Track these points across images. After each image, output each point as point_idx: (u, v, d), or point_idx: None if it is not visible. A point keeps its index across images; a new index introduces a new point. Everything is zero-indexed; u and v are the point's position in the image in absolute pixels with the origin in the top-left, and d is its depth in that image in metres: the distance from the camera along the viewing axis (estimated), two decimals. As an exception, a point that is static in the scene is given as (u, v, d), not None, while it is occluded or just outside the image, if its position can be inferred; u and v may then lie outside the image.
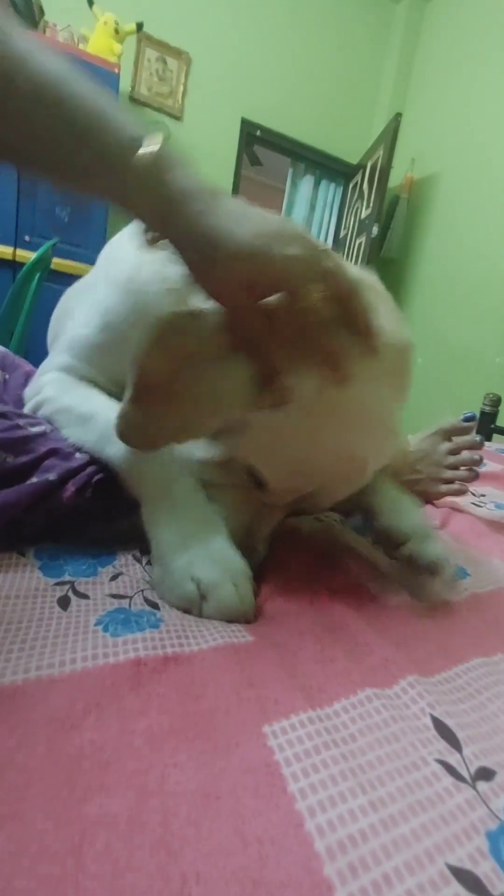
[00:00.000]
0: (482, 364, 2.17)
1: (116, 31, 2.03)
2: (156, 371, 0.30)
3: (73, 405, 0.43)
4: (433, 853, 0.17)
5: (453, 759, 0.21)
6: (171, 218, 0.28)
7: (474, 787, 0.20)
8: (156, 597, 0.33)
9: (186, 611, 0.31)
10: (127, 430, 0.32)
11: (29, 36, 0.27)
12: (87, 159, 0.29)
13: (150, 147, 0.27)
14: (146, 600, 0.32)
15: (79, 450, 0.41)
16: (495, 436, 1.57)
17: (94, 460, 0.40)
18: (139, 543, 0.41)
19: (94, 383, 0.47)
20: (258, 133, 2.75)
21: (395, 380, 0.35)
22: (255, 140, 2.81)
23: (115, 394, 0.45)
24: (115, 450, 0.38)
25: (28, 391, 0.50)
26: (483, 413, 1.61)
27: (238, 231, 0.27)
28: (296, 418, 0.31)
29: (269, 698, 0.24)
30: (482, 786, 0.20)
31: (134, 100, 2.39)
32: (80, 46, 2.01)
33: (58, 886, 0.14)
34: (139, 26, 2.09)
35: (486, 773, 0.21)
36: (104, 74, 1.90)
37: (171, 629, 0.28)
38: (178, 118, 2.50)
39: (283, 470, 0.34)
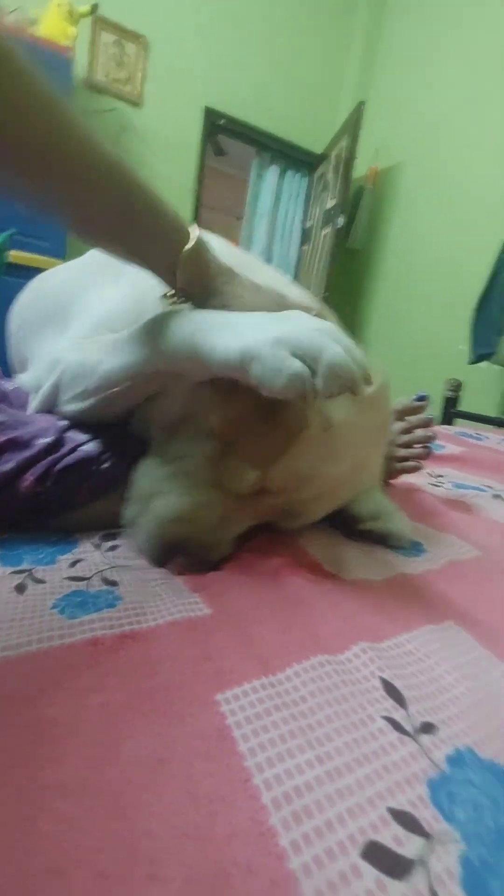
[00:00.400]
0: (445, 351, 2.23)
1: (70, 14, 1.96)
2: None
3: (96, 350, 0.42)
4: (375, 800, 0.18)
5: (398, 715, 0.22)
6: (206, 289, 0.36)
7: (417, 741, 0.21)
8: (114, 575, 0.33)
9: (302, 395, 0.28)
10: None
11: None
12: (138, 235, 0.35)
13: (195, 234, 0.36)
14: (104, 580, 0.32)
15: (37, 437, 0.40)
16: (456, 419, 1.62)
17: (54, 447, 0.40)
18: (101, 531, 0.41)
19: None
20: (222, 122, 2.72)
21: (380, 417, 0.41)
22: (218, 130, 2.78)
23: None
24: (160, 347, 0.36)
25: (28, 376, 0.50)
26: (446, 398, 1.66)
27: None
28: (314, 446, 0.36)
29: (224, 669, 0.24)
30: (425, 739, 0.21)
31: (91, 85, 2.32)
32: (31, 30, 1.93)
33: (12, 847, 0.15)
34: (94, 8, 2.02)
35: (429, 728, 0.22)
36: (56, 59, 1.82)
37: (129, 606, 0.29)
38: (137, 105, 2.45)
39: (294, 478, 0.37)
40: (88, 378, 0.41)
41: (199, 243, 0.36)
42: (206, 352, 0.32)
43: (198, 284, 0.36)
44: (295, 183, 3.15)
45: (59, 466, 0.39)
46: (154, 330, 0.37)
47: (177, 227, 0.36)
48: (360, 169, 2.66)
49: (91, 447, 0.41)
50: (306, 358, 0.28)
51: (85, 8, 1.99)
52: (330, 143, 2.78)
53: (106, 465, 0.41)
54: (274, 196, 3.08)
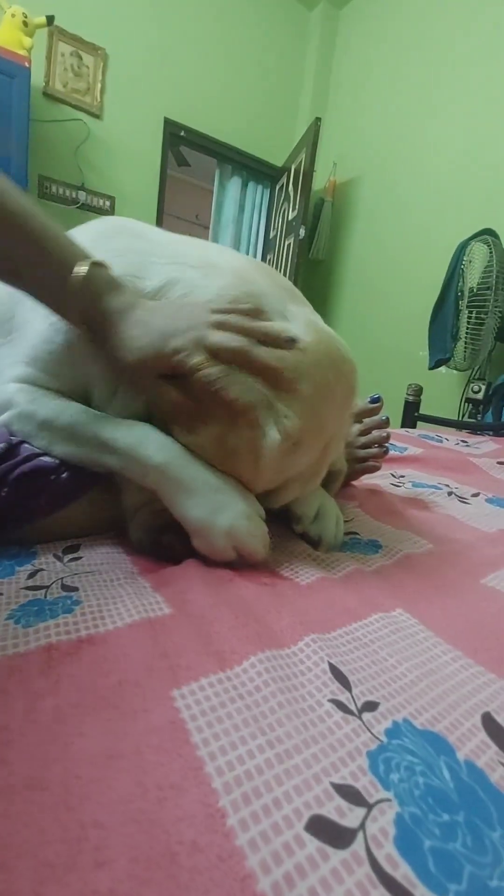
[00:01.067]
0: (406, 357, 2.31)
1: (25, 24, 1.95)
2: None
3: (52, 417, 0.42)
4: (320, 776, 0.19)
5: (344, 696, 0.24)
6: (97, 331, 0.38)
7: (360, 718, 0.22)
8: (75, 581, 0.33)
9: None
10: None
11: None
12: (40, 276, 0.38)
13: (79, 271, 0.37)
14: (64, 586, 0.32)
15: None
16: (418, 423, 1.68)
17: (8, 454, 0.39)
18: (63, 543, 0.41)
19: (60, 393, 0.45)
20: (182, 133, 2.75)
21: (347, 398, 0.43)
22: (179, 140, 2.81)
23: (79, 401, 0.44)
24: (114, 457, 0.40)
25: None
26: (407, 402, 1.72)
27: (137, 342, 0.36)
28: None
29: (181, 666, 0.25)
30: (367, 716, 0.23)
31: (48, 95, 2.30)
32: (-15, 37, 1.91)
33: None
34: (50, 20, 2.02)
35: (371, 706, 0.23)
36: (13, 68, 1.82)
37: (88, 611, 0.29)
38: (97, 116, 2.45)
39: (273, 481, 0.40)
40: (38, 439, 0.42)
41: (90, 274, 0.37)
42: (168, 499, 0.38)
43: (88, 330, 0.38)
44: (257, 194, 3.22)
45: (14, 474, 0.38)
46: (117, 440, 0.40)
47: (62, 260, 0.37)
48: (320, 181, 2.74)
49: (49, 459, 0.41)
50: (242, 546, 0.37)
51: (40, 19, 1.99)
52: (289, 157, 2.85)
53: (65, 475, 0.41)
54: (237, 206, 3.14)
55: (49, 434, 0.42)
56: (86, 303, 0.37)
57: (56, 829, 0.16)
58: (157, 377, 0.37)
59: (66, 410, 0.42)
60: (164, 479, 0.38)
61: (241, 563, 0.37)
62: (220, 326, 0.37)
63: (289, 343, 0.37)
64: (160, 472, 0.38)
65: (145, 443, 0.39)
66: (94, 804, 0.17)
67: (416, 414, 1.73)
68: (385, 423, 0.63)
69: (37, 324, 0.45)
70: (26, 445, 0.41)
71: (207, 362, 0.35)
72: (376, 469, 0.62)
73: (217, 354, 0.36)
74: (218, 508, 0.38)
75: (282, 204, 2.97)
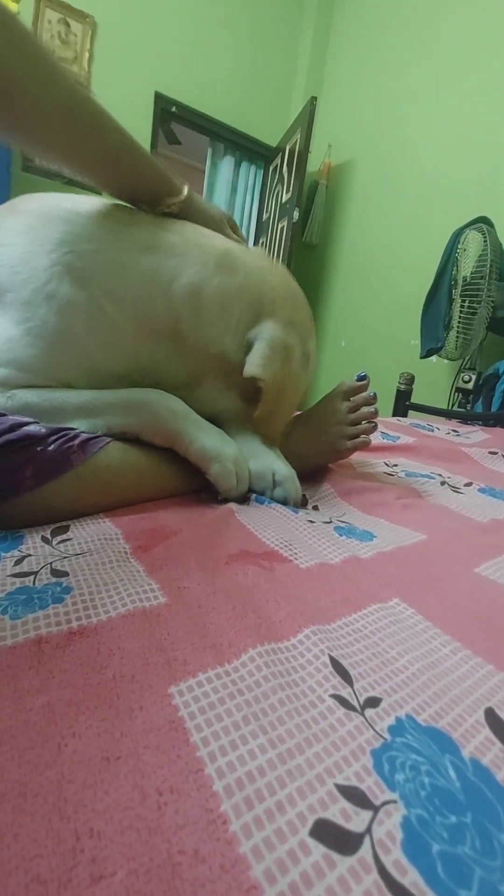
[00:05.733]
0: (398, 346, 2.30)
1: (9, -16, 1.85)
2: None
3: (65, 399, 0.46)
4: (324, 777, 0.19)
5: (345, 692, 0.23)
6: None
7: (363, 714, 0.22)
8: (65, 565, 0.32)
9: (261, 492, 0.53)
10: None
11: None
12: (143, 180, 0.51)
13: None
14: (53, 571, 0.31)
15: None
16: (410, 412, 1.68)
17: None
18: (51, 524, 0.39)
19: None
20: (174, 109, 2.66)
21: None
22: (171, 117, 2.72)
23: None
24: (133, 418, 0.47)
25: None
26: (399, 391, 1.72)
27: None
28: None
29: (177, 660, 0.24)
30: (370, 712, 0.22)
31: (35, 62, 2.20)
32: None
33: None
34: (35, -19, 1.92)
35: (373, 702, 0.23)
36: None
37: (79, 599, 0.28)
38: (84, 86, 2.35)
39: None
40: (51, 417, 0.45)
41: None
42: (189, 437, 0.49)
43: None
44: (250, 174, 3.14)
45: None
46: (140, 407, 0.48)
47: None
48: (314, 164, 2.69)
49: (35, 427, 0.40)
50: (241, 474, 0.51)
51: (25, -20, 1.89)
52: (284, 137, 2.79)
53: (52, 447, 0.39)
54: (230, 187, 3.07)
55: (61, 416, 0.45)
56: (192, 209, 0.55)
57: (49, 841, 0.15)
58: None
59: (73, 393, 0.47)
60: (187, 421, 0.48)
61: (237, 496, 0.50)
62: None
63: None
64: (184, 416, 0.49)
65: (162, 399, 0.48)
66: (89, 811, 0.16)
67: (407, 403, 1.72)
68: (373, 400, 0.64)
69: (8, 328, 0.45)
70: (11, 416, 0.40)
71: None
72: (367, 444, 0.63)
73: None
74: (225, 442, 0.50)
75: (275, 186, 2.90)
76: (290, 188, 2.61)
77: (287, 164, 2.69)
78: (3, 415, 0.40)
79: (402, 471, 0.79)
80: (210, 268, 0.49)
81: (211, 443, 0.49)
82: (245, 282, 0.51)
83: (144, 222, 0.50)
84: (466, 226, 1.73)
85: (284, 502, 0.52)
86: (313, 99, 2.41)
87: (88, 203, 0.51)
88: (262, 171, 3.13)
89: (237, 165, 3.08)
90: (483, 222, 1.71)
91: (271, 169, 3.00)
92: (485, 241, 1.66)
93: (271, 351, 0.49)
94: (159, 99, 2.58)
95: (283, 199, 2.73)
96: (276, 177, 2.89)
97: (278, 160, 2.86)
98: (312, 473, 0.65)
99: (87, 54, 2.33)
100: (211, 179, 3.07)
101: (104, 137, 0.46)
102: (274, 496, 0.53)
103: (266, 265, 0.55)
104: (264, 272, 0.53)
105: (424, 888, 0.15)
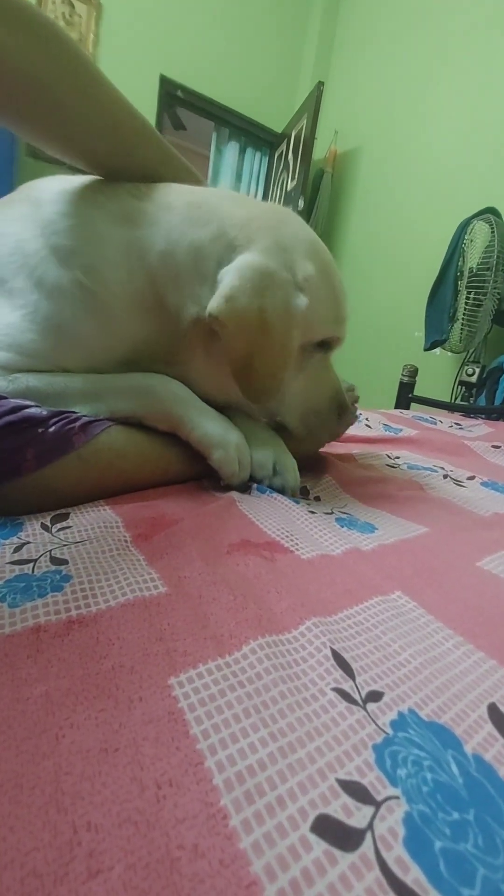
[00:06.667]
0: (402, 337, 2.28)
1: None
2: None
3: (66, 383, 0.46)
4: (325, 771, 0.18)
5: (347, 685, 0.23)
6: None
7: (365, 709, 0.21)
8: (64, 553, 0.31)
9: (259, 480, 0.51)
10: None
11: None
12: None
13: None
14: (52, 559, 0.31)
15: None
16: (412, 404, 1.67)
17: None
18: (51, 511, 0.39)
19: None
20: (179, 93, 2.61)
21: None
22: (176, 101, 2.67)
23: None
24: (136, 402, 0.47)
25: None
26: (402, 383, 1.70)
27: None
28: None
29: (177, 650, 0.24)
30: (371, 706, 0.22)
31: (37, 43, 2.16)
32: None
33: None
34: (38, -42, 1.88)
35: (375, 696, 0.22)
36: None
37: (78, 588, 0.27)
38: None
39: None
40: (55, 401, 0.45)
41: None
42: (192, 423, 0.48)
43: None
44: (255, 161, 3.10)
45: (0, 423, 0.36)
46: (142, 390, 0.47)
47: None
48: (320, 151, 2.64)
49: (37, 410, 0.39)
50: (242, 460, 0.50)
51: (27, -44, 1.84)
52: (289, 123, 2.74)
53: (53, 429, 0.39)
54: (234, 173, 3.03)
55: (63, 400, 0.44)
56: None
57: (46, 834, 0.14)
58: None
59: (76, 377, 0.46)
60: (190, 407, 0.48)
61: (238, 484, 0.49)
62: None
63: None
64: (187, 402, 0.48)
65: (165, 384, 0.48)
66: (87, 804, 0.16)
67: (410, 395, 1.71)
68: (352, 387, 0.64)
69: (7, 314, 0.45)
70: (14, 399, 0.40)
71: None
72: (355, 419, 0.65)
73: None
74: (228, 428, 0.49)
75: (280, 173, 2.86)
76: (296, 176, 2.57)
77: (293, 151, 2.65)
78: (4, 398, 0.40)
79: (405, 463, 0.78)
80: (180, 228, 0.46)
81: (213, 429, 0.48)
82: (218, 229, 0.45)
83: (120, 192, 0.48)
84: (474, 216, 1.70)
85: (282, 491, 0.51)
86: (320, 84, 2.36)
87: (79, 180, 0.50)
88: (267, 158, 3.08)
89: (242, 152, 3.03)
90: (490, 213, 1.68)
91: (277, 156, 2.95)
92: (492, 232, 1.64)
93: (240, 280, 0.42)
94: (164, 83, 2.54)
95: (289, 188, 2.69)
96: (282, 164, 2.85)
97: (284, 147, 2.82)
98: (312, 462, 0.64)
99: (91, 36, 2.28)
100: (215, 166, 3.03)
101: (145, 151, 0.49)
102: (272, 485, 0.52)
103: (251, 203, 0.50)
104: (244, 211, 0.47)
105: (427, 886, 0.15)
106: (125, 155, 0.48)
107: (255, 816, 0.16)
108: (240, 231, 0.45)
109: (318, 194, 2.72)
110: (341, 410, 0.56)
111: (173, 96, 2.61)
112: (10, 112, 0.41)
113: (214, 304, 0.42)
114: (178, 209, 0.47)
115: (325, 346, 0.53)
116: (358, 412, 0.65)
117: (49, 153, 0.46)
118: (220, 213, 0.46)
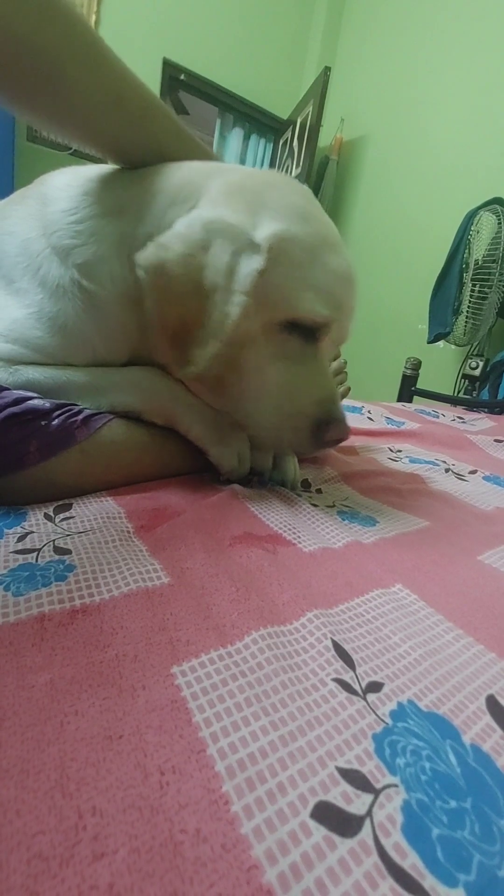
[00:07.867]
0: (405, 329, 2.27)
1: None
2: None
3: (68, 377, 0.45)
4: (325, 760, 0.19)
5: (348, 676, 0.23)
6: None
7: (365, 699, 0.22)
8: (67, 543, 0.32)
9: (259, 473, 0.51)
10: None
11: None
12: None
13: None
14: (56, 549, 0.31)
15: None
16: (415, 397, 1.67)
17: None
18: (54, 502, 0.39)
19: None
20: (182, 77, 2.57)
21: None
22: (179, 85, 2.62)
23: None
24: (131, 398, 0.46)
25: None
26: (405, 376, 1.70)
27: None
28: None
29: (180, 640, 0.24)
30: (371, 697, 0.22)
31: (38, 24, 2.12)
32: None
33: None
34: None
35: (375, 686, 0.23)
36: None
37: (81, 578, 0.28)
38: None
39: None
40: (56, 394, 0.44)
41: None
42: (188, 420, 0.48)
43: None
44: (259, 148, 3.05)
45: (2, 414, 0.37)
46: (140, 386, 0.47)
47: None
48: (325, 138, 2.60)
49: (39, 402, 0.39)
50: (242, 456, 0.50)
51: None
52: (295, 109, 2.70)
53: (56, 422, 0.39)
54: (238, 160, 2.98)
55: (65, 394, 0.44)
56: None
57: (51, 818, 0.15)
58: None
59: (78, 371, 0.46)
60: (187, 403, 0.47)
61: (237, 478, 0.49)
62: None
63: None
64: (184, 400, 0.47)
65: (164, 380, 0.47)
66: (91, 789, 0.16)
67: (413, 388, 1.71)
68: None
69: (13, 311, 0.44)
70: (16, 391, 0.40)
71: None
72: (347, 392, 0.68)
73: None
74: (226, 423, 0.49)
75: (285, 160, 2.82)
76: (301, 163, 2.54)
77: (298, 138, 2.61)
78: (6, 389, 0.40)
79: (407, 457, 0.78)
80: (166, 213, 0.42)
81: (211, 424, 0.48)
82: (195, 202, 0.41)
83: (115, 182, 0.47)
84: (480, 207, 1.68)
85: (283, 484, 0.52)
86: (327, 69, 2.32)
87: (86, 172, 0.49)
88: (271, 145, 3.04)
89: (246, 138, 2.99)
90: (497, 203, 1.66)
91: (282, 142, 2.91)
92: (499, 224, 1.62)
93: (185, 229, 0.37)
94: (167, 66, 2.49)
95: (293, 174, 2.65)
96: (287, 151, 2.81)
97: (289, 133, 2.78)
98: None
99: (93, 17, 2.24)
100: (219, 153, 2.99)
101: (153, 126, 0.46)
102: (272, 478, 0.52)
103: (246, 172, 0.45)
104: (232, 177, 0.43)
105: (424, 871, 0.15)
106: (132, 131, 0.45)
107: (256, 802, 0.16)
108: (215, 197, 0.40)
109: (322, 182, 2.69)
110: (327, 421, 0.45)
111: (176, 80, 2.57)
112: (6, 85, 0.38)
113: (143, 253, 0.36)
114: (167, 192, 0.43)
115: (310, 332, 0.44)
116: (360, 405, 0.64)
117: (52, 134, 0.44)
118: (203, 186, 0.42)
